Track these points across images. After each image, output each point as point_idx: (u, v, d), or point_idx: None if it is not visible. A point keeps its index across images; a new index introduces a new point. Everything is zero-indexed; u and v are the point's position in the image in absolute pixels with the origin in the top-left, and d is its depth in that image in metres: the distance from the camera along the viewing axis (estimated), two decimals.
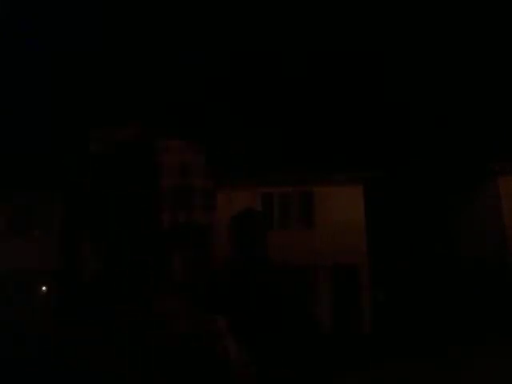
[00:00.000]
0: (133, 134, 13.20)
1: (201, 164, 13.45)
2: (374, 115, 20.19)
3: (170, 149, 13.64)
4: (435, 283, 14.03)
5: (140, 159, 12.62)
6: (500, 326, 11.32)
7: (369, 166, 14.46)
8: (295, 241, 13.44)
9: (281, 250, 12.92)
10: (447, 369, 7.66)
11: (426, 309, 13.13)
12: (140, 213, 12.11)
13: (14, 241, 13.67)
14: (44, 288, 13.11)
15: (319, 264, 13.31)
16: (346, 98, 21.07)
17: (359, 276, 13.40)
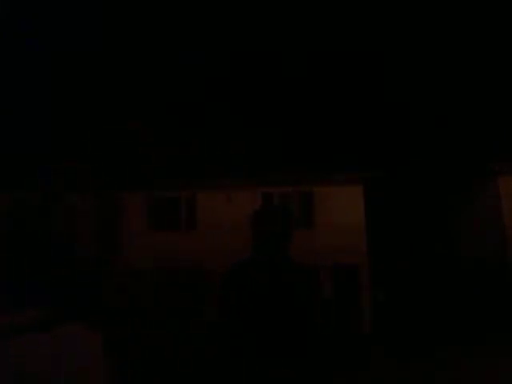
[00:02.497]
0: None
1: None
2: (374, 115, 20.20)
3: None
4: (435, 283, 14.03)
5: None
6: (500, 326, 11.32)
7: (369, 166, 14.47)
8: (295, 241, 13.43)
9: None
10: (447, 369, 7.66)
11: (426, 309, 13.13)
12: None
13: None
14: None
15: (319, 264, 13.31)
16: (346, 98, 21.08)
17: (359, 276, 13.40)
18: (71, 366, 1.69)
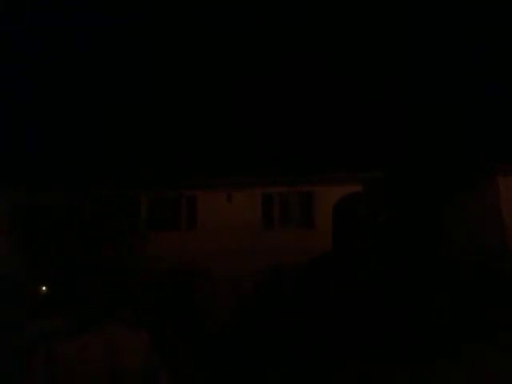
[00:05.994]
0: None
1: None
2: (375, 115, 20.19)
3: None
4: (434, 283, 14.04)
5: None
6: (500, 327, 11.32)
7: (369, 166, 14.47)
8: (295, 241, 13.44)
9: (281, 250, 12.93)
10: (446, 369, 7.68)
11: (426, 310, 13.13)
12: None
13: None
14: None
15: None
16: (347, 98, 21.08)
17: None
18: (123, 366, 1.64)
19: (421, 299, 13.65)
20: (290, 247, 13.09)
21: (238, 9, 30.28)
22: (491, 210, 13.97)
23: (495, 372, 6.98)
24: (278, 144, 17.20)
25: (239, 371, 6.60)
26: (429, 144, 19.14)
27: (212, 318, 12.18)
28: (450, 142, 18.57)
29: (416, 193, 17.98)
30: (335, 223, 2.14)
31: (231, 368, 6.83)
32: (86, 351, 1.53)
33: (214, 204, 14.24)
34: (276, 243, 13.20)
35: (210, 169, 15.03)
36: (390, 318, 13.59)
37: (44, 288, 12.26)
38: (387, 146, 18.48)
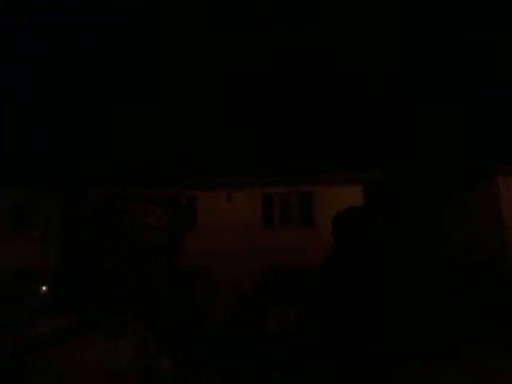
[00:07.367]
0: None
1: None
2: (375, 115, 20.19)
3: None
4: (434, 283, 14.04)
5: None
6: (499, 327, 11.32)
7: (369, 166, 14.48)
8: (295, 241, 13.44)
9: (281, 250, 12.93)
10: (446, 369, 7.68)
11: (425, 311, 13.11)
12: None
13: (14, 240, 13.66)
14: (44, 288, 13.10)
15: (319, 263, 13.29)
16: (347, 98, 21.07)
17: None
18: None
19: (421, 299, 13.65)
20: (289, 247, 13.08)
21: (238, 9, 30.28)
22: (491, 210, 13.97)
23: (495, 372, 6.97)
24: (278, 144, 17.19)
25: (239, 371, 6.60)
26: (429, 144, 19.12)
27: (212, 318, 12.17)
28: (450, 142, 18.57)
29: (416, 193, 17.98)
30: (336, 238, 2.13)
31: (231, 368, 6.83)
32: (84, 353, 1.51)
33: (214, 204, 14.23)
34: (276, 243, 13.20)
35: (210, 169, 15.03)
36: (389, 318, 13.59)
37: (44, 288, 12.27)
38: (387, 146, 18.48)
